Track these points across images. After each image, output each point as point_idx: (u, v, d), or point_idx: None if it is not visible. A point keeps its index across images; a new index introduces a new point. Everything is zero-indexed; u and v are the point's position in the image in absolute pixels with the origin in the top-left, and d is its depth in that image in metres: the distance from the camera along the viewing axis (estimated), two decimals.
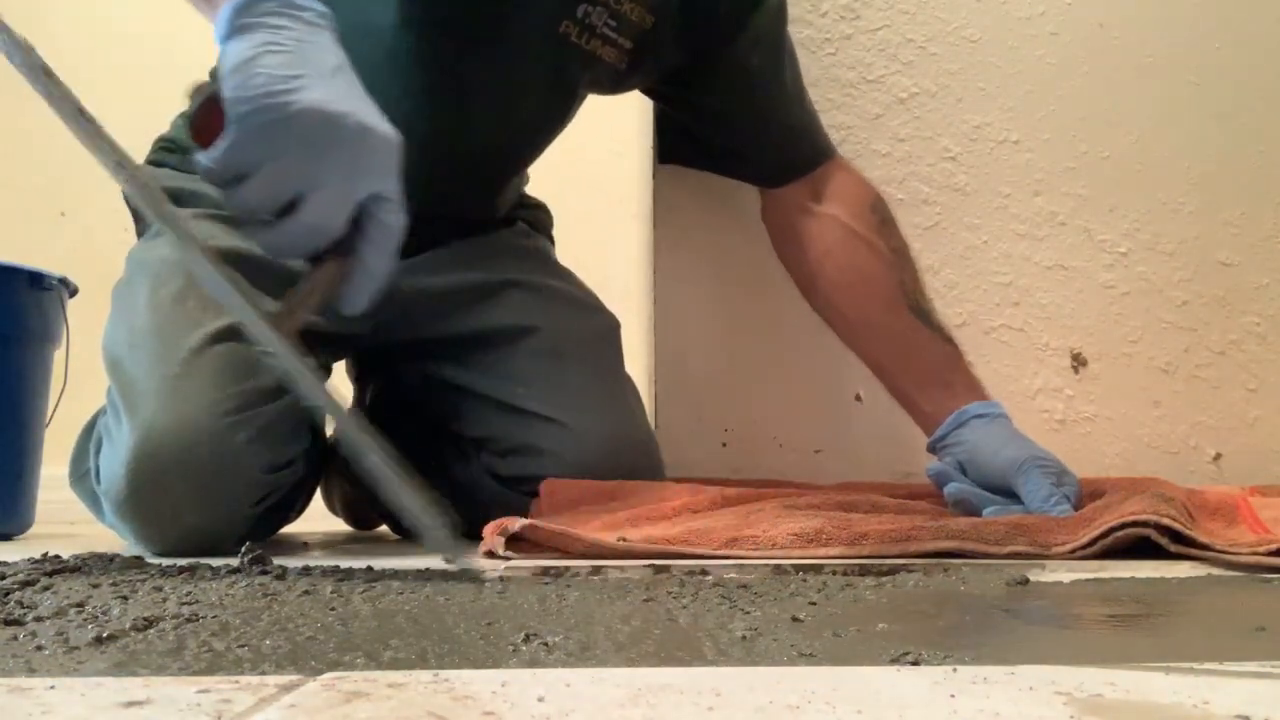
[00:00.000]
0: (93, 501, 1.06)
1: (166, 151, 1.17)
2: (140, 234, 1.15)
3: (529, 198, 1.32)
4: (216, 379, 0.98)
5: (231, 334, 1.02)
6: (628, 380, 1.19)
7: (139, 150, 1.17)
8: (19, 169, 2.25)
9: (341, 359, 1.24)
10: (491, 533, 0.89)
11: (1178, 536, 0.86)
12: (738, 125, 1.19)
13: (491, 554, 0.87)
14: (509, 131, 1.12)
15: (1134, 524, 0.86)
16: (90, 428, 1.10)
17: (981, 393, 1.12)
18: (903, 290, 1.16)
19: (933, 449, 1.12)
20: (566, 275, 1.24)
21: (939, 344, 1.14)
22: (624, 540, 0.87)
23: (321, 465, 1.24)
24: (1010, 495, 1.03)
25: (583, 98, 1.18)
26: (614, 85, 1.16)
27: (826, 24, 1.39)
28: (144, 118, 1.23)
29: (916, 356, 1.14)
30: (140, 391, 0.97)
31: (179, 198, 1.12)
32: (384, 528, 1.34)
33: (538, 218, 1.30)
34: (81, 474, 1.08)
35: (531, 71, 1.07)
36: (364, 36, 1.03)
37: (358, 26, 1.03)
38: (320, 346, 1.11)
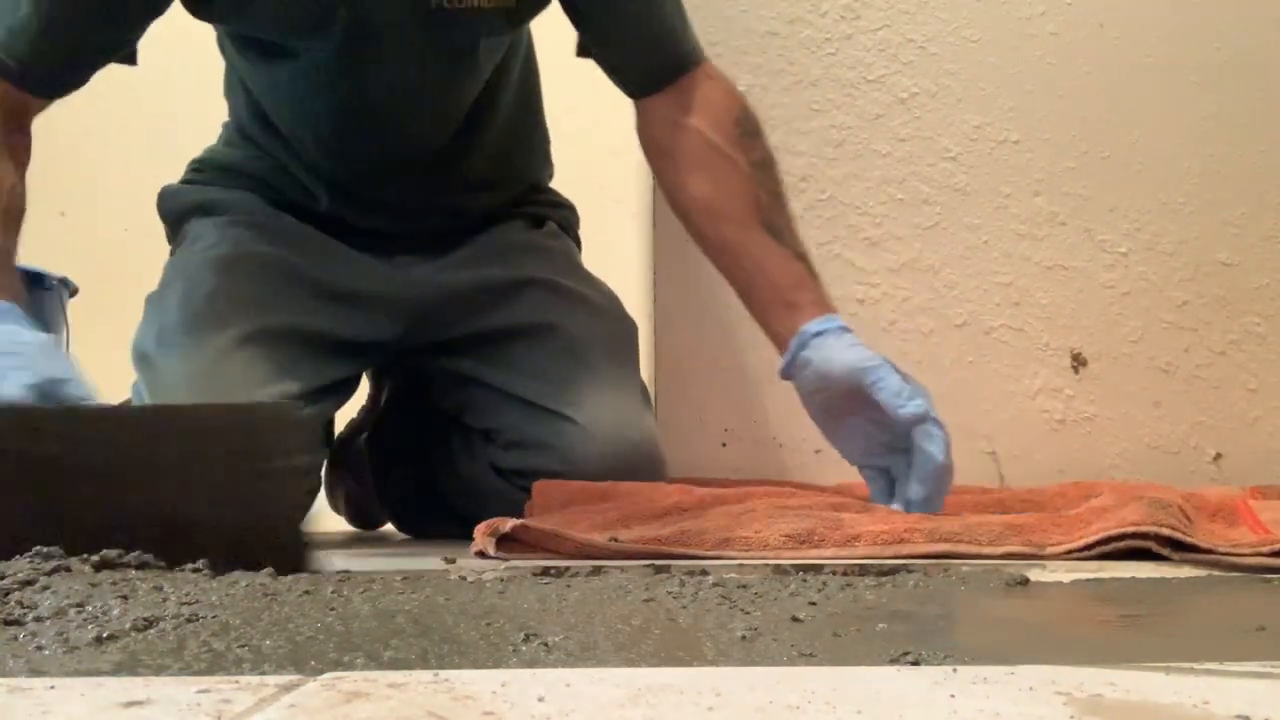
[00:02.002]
0: None
1: (197, 171, 1.24)
2: (174, 248, 1.20)
3: (557, 195, 1.32)
4: (243, 380, 0.99)
5: (261, 337, 1.03)
6: (641, 385, 1.20)
7: (176, 171, 1.26)
8: None
9: (372, 366, 1.25)
10: (482, 533, 0.89)
11: (1179, 545, 0.85)
12: (599, 26, 1.13)
13: (482, 554, 0.87)
14: (437, 106, 1.12)
15: (1134, 535, 0.86)
16: None
17: (827, 307, 1.08)
18: (757, 206, 1.10)
19: (786, 375, 1.09)
20: (590, 279, 1.24)
21: (788, 261, 1.09)
22: (615, 540, 0.87)
23: (326, 465, 1.24)
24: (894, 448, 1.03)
25: (503, 39, 1.15)
26: (517, 23, 1.13)
27: (826, 24, 1.39)
28: (184, 145, 1.30)
29: (764, 276, 1.09)
30: (167, 385, 0.98)
31: (211, 208, 1.18)
32: (388, 527, 1.34)
33: (567, 219, 1.31)
34: None
35: (422, 52, 1.07)
36: (298, 79, 1.08)
37: (296, 69, 1.07)
38: (348, 357, 1.12)
